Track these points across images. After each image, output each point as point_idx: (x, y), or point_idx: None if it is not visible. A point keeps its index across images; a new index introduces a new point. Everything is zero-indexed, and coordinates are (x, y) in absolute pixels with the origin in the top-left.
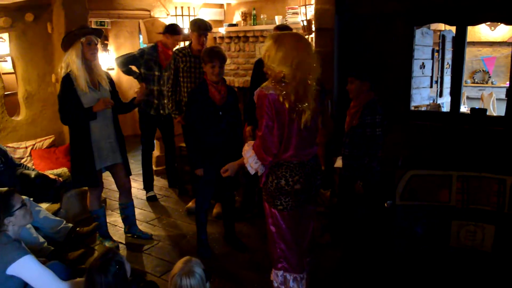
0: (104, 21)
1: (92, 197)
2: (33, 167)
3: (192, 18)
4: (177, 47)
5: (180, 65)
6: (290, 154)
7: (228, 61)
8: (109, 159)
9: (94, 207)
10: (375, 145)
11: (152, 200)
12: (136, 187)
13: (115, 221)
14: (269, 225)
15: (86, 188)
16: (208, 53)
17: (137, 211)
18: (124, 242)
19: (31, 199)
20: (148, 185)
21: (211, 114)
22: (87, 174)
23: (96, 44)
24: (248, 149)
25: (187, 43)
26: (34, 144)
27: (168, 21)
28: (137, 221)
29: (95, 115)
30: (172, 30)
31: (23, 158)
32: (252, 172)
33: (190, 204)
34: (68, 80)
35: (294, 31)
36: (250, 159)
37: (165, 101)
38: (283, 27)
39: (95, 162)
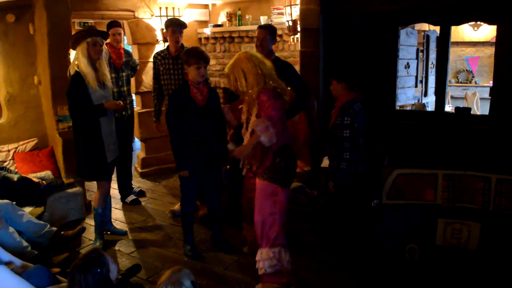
0: (87, 22)
1: (100, 194)
2: (16, 170)
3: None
4: (156, 50)
5: (160, 68)
6: (287, 137)
7: (213, 61)
8: (115, 153)
9: (101, 204)
10: (342, 147)
11: (134, 203)
12: None
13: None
14: (270, 205)
15: (77, 190)
16: (192, 54)
17: (122, 214)
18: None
19: (14, 202)
20: (124, 193)
21: (194, 115)
22: (101, 167)
23: (101, 45)
24: (262, 124)
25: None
26: (16, 147)
27: (152, 21)
28: (122, 224)
29: (106, 112)
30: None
31: (5, 161)
32: (268, 143)
33: (175, 207)
34: (79, 78)
35: (279, 32)
36: (266, 135)
37: (127, 101)
38: (267, 27)
39: (107, 155)
